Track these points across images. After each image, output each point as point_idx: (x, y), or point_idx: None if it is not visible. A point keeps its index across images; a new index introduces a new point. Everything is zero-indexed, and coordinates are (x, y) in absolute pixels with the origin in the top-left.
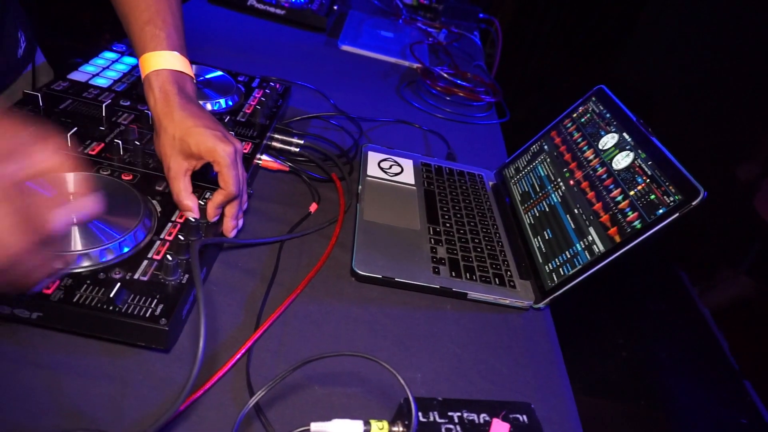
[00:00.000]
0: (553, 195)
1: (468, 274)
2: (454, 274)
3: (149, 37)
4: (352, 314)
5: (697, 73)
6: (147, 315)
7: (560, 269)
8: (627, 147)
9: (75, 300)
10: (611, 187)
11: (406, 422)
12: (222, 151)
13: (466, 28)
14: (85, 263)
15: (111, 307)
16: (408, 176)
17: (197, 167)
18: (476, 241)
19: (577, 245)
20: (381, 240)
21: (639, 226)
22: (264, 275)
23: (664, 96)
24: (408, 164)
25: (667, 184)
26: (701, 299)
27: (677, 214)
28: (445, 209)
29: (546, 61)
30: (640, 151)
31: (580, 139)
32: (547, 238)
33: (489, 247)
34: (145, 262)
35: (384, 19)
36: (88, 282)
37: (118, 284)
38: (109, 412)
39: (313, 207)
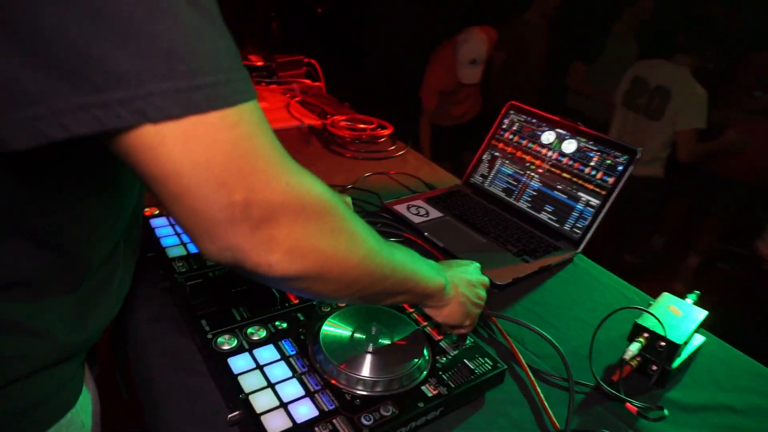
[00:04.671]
0: (532, 183)
1: (538, 254)
2: (533, 257)
3: None
4: (519, 313)
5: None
6: (490, 367)
7: (576, 224)
8: (567, 137)
9: (457, 386)
10: (574, 164)
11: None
12: None
13: (298, 75)
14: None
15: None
16: (434, 212)
17: None
18: (515, 231)
19: (577, 206)
20: (483, 259)
21: (611, 179)
22: None
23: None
24: (422, 203)
25: (611, 152)
26: None
27: (632, 166)
28: (478, 222)
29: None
30: (578, 138)
31: (523, 141)
32: (550, 210)
33: (523, 231)
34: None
35: None
36: (440, 373)
37: (464, 359)
38: None
39: None
